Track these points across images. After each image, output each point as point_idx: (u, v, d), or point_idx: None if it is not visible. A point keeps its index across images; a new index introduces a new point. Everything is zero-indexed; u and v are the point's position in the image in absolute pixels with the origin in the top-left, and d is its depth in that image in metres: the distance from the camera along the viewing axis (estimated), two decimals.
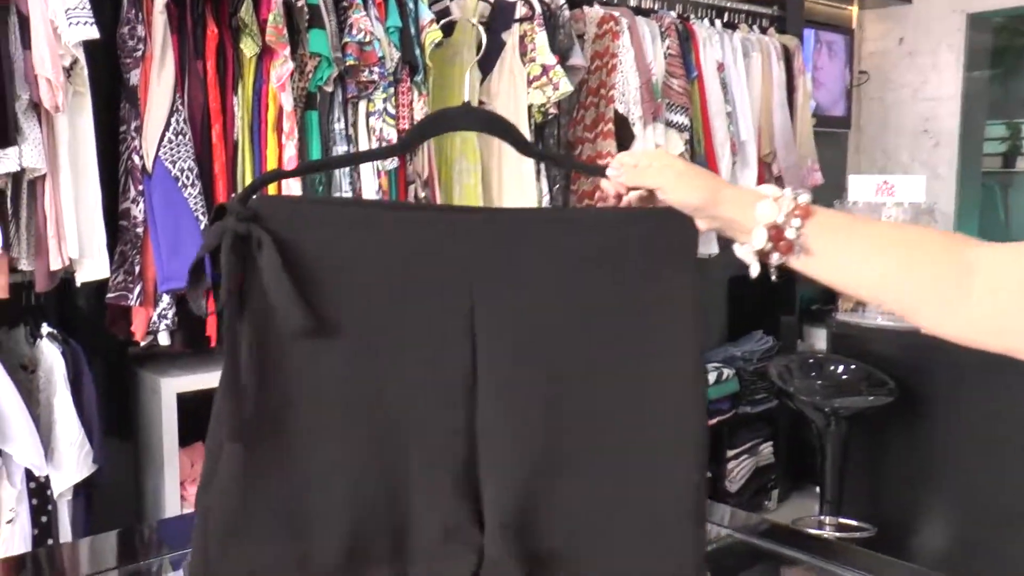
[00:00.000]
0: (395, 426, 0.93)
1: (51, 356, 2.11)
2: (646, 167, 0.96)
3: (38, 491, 2.06)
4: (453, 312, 0.93)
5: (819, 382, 3.34)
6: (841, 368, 3.33)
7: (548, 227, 0.98)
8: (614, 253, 0.96)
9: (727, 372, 3.71)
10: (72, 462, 2.06)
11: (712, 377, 3.70)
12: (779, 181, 3.78)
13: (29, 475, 2.04)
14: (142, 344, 2.23)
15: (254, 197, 0.89)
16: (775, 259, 0.91)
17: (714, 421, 3.62)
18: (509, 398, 0.94)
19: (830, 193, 3.88)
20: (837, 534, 3.20)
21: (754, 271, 0.92)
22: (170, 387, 2.34)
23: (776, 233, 0.90)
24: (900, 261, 0.89)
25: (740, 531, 1.30)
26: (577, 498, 0.96)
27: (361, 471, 0.93)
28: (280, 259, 0.84)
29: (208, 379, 2.43)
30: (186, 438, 2.44)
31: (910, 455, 3.24)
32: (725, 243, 3.68)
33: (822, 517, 3.26)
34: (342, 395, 0.92)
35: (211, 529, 0.90)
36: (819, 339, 4.16)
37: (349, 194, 2.48)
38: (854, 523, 3.24)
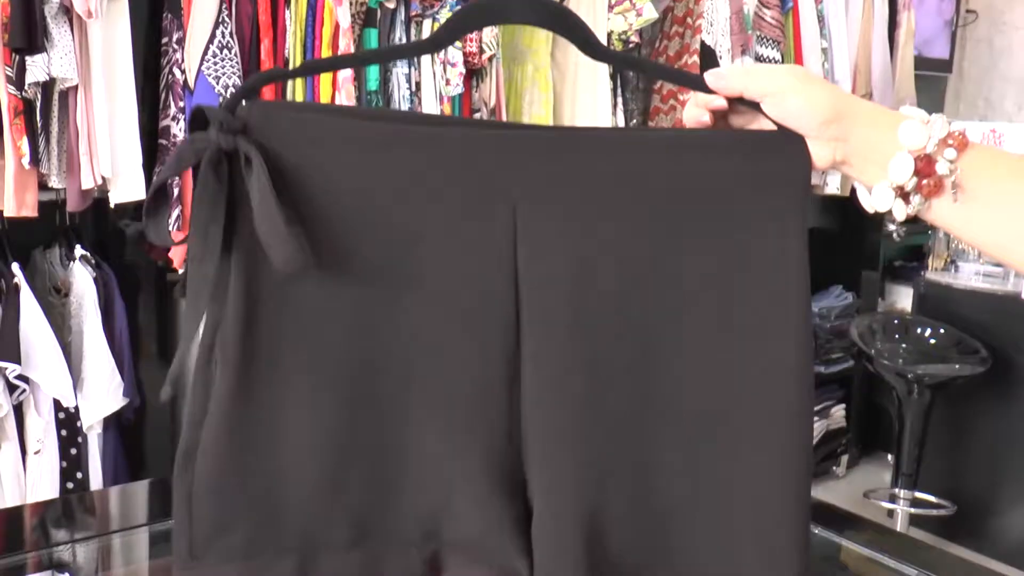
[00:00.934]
0: (415, 393, 0.73)
1: (83, 281, 2.00)
2: (754, 71, 0.73)
3: (67, 422, 1.96)
4: (493, 255, 0.71)
5: (904, 345, 3.10)
6: (929, 332, 3.09)
7: (622, 150, 0.74)
8: (705, 187, 0.73)
9: None
10: (102, 393, 1.95)
11: None
12: None
13: (58, 405, 1.94)
14: (180, 271, 2.10)
15: (244, 103, 0.69)
16: (915, 202, 0.69)
17: None
18: (563, 366, 0.72)
19: None
20: (913, 510, 2.99)
21: (899, 213, 0.69)
22: None
23: (924, 165, 0.68)
24: None
25: None
26: (653, 495, 0.75)
27: (370, 445, 0.74)
28: (270, 183, 0.64)
29: None
30: None
31: (999, 431, 3.01)
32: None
33: (896, 490, 3.05)
34: (349, 353, 0.71)
35: (196, 516, 0.72)
36: (902, 297, 3.91)
37: None
38: (932, 499, 3.02)
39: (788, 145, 0.72)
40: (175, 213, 2.05)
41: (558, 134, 0.77)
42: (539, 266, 0.71)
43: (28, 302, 1.86)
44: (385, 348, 0.72)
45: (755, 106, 0.72)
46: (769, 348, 0.74)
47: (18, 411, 1.91)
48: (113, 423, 2.03)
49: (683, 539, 0.76)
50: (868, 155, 0.70)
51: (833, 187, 3.47)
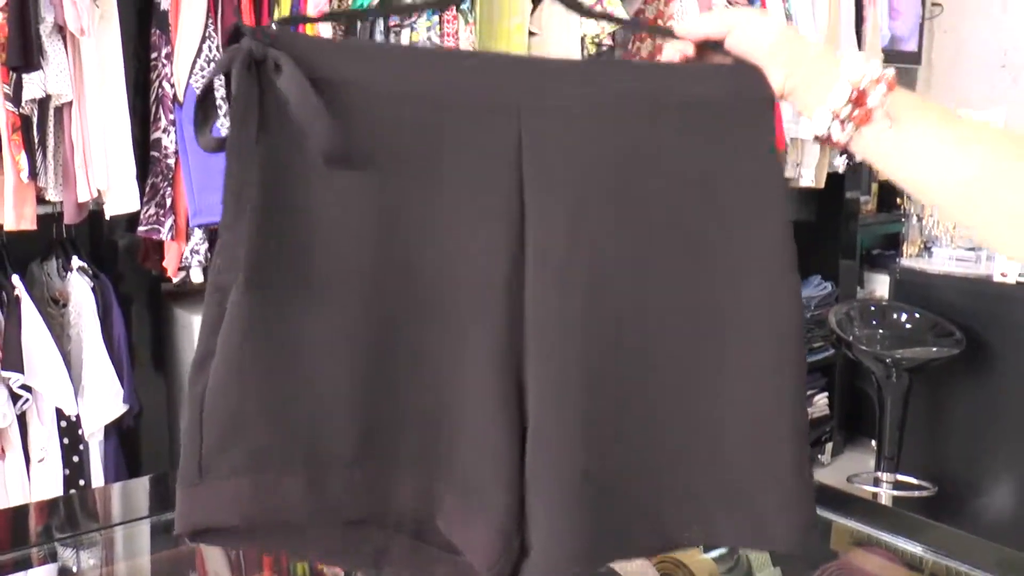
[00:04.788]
0: (425, 291, 0.76)
1: (81, 291, 2.05)
2: (714, 15, 0.84)
3: (69, 430, 2.01)
4: (501, 159, 0.76)
5: (881, 331, 3.18)
6: (905, 317, 3.17)
7: (611, 72, 0.85)
8: (685, 103, 0.80)
9: None
10: (102, 402, 2.00)
11: None
12: None
13: (60, 414, 1.99)
14: (175, 280, 2.16)
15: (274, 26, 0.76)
16: (848, 130, 0.77)
17: None
18: (565, 259, 0.76)
19: None
20: (895, 492, 3.07)
21: (836, 134, 0.78)
22: None
23: (859, 95, 0.77)
24: (1006, 156, 0.74)
25: None
26: (652, 414, 0.79)
27: (383, 351, 0.75)
28: (305, 78, 0.70)
29: None
30: None
31: (976, 411, 3.08)
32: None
33: (879, 474, 3.13)
34: (364, 258, 0.75)
35: (206, 417, 0.72)
36: (880, 286, 3.99)
37: None
38: (913, 481, 3.10)
39: (754, 73, 0.80)
40: (168, 222, 2.11)
41: (556, 63, 0.88)
42: (542, 169, 0.76)
43: (29, 313, 1.91)
44: (398, 252, 0.75)
45: (719, 47, 0.82)
46: (754, 237, 0.81)
47: (21, 421, 1.95)
48: (113, 430, 2.07)
49: (685, 458, 0.78)
50: (812, 84, 0.79)
51: (808, 179, 3.55)
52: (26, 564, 1.06)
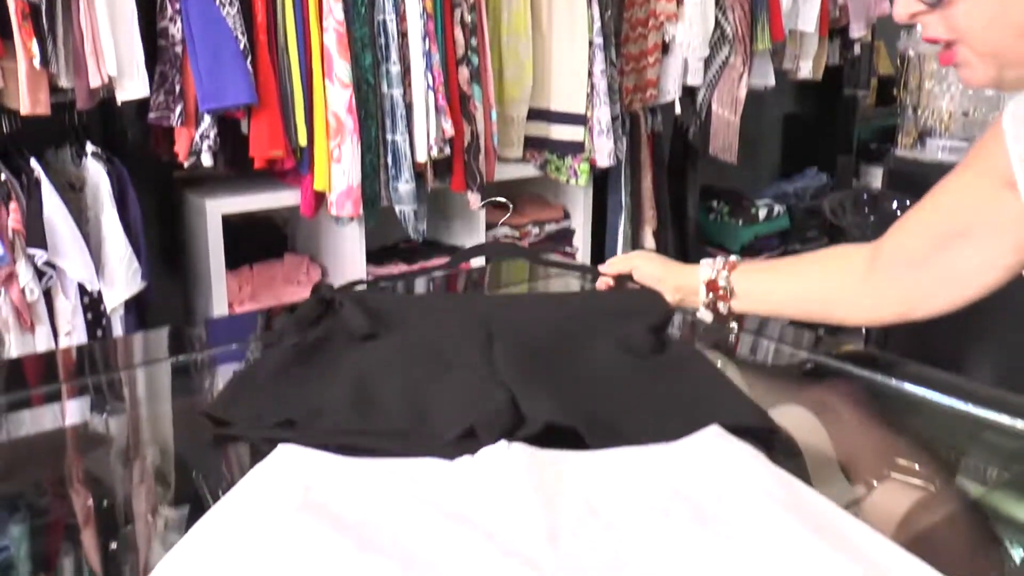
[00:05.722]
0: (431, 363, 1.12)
1: (96, 175, 2.14)
2: (618, 260, 1.34)
3: (92, 306, 2.13)
4: (474, 331, 1.17)
5: (872, 219, 3.26)
6: (896, 204, 3.24)
7: (551, 299, 1.42)
8: (601, 311, 1.25)
9: (778, 208, 3.65)
10: (122, 278, 2.11)
11: (763, 213, 3.64)
12: (844, 12, 3.61)
13: (83, 290, 2.11)
14: (186, 165, 2.24)
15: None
16: (721, 307, 1.23)
17: (762, 258, 3.58)
18: (515, 346, 1.14)
19: None
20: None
21: (707, 318, 1.26)
22: (215, 209, 2.37)
23: (712, 284, 1.23)
24: (810, 279, 1.21)
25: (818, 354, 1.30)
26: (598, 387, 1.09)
27: (394, 386, 1.06)
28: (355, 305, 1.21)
29: (252, 201, 2.46)
30: (233, 262, 2.48)
31: None
32: (780, 74, 3.53)
33: None
34: (391, 352, 1.15)
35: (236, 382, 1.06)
36: (876, 178, 4.04)
37: (392, 15, 2.41)
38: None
39: (648, 293, 1.28)
40: (178, 109, 2.19)
41: (511, 298, 1.46)
42: (501, 332, 1.16)
43: (49, 194, 2.01)
44: (415, 355, 1.13)
45: (629, 278, 1.32)
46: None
47: (47, 297, 2.07)
48: (133, 306, 2.19)
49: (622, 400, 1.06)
50: (688, 293, 1.26)
51: (806, 71, 3.59)
52: (56, 397, 1.18)
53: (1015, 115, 1.04)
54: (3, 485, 0.97)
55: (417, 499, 0.83)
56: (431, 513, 0.80)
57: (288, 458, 0.88)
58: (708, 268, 1.23)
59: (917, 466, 1.05)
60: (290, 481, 0.85)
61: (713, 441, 0.92)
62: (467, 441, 0.93)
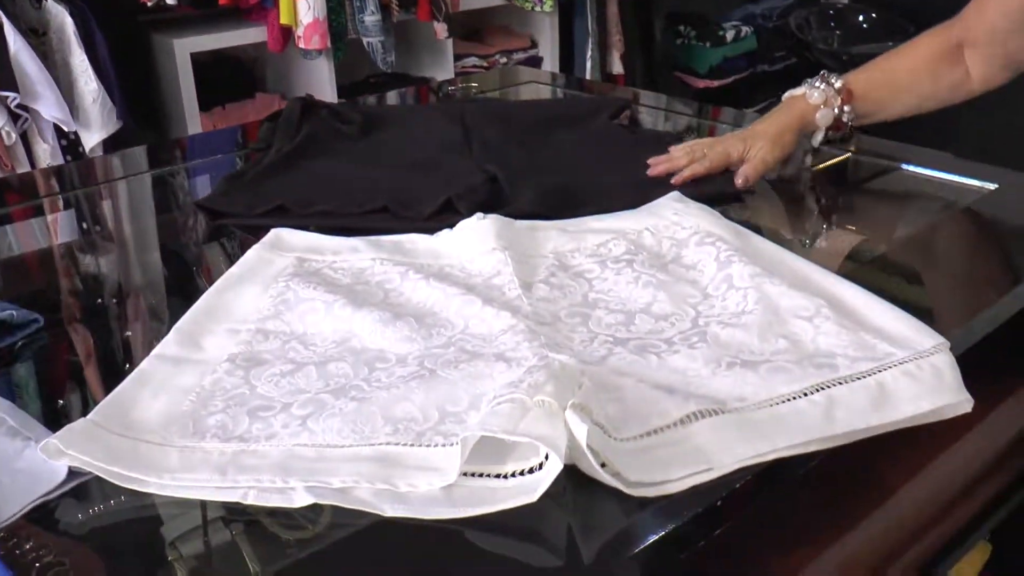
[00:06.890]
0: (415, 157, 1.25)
1: (59, 17, 2.12)
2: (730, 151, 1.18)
3: (70, 148, 2.15)
4: (453, 128, 1.31)
5: (838, 32, 3.28)
6: (862, 17, 3.26)
7: (520, 103, 1.64)
8: (568, 108, 1.49)
9: (745, 30, 3.64)
10: (97, 118, 2.13)
11: (730, 35, 3.63)
12: None
13: (60, 133, 2.13)
14: (149, 4, 2.22)
15: None
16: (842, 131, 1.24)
17: (730, 80, 3.60)
18: (491, 142, 1.26)
19: None
20: None
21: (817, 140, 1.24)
22: (183, 48, 2.36)
23: (838, 122, 1.20)
24: (922, 87, 1.20)
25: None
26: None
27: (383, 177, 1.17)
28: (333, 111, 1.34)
29: (219, 39, 2.45)
30: (205, 105, 2.49)
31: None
32: None
33: None
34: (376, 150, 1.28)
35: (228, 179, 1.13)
36: None
37: None
38: None
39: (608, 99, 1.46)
40: None
41: (486, 102, 1.61)
42: (478, 128, 1.30)
43: (13, 35, 2.00)
44: (398, 152, 1.26)
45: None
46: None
47: (25, 140, 2.09)
48: (111, 148, 2.22)
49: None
50: (807, 124, 1.21)
51: None
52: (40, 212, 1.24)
53: None
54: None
55: (402, 263, 0.91)
56: (415, 273, 0.88)
57: (281, 237, 0.95)
58: (826, 108, 1.19)
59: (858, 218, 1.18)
60: (284, 255, 0.92)
61: (673, 204, 1.00)
62: (447, 215, 1.00)
